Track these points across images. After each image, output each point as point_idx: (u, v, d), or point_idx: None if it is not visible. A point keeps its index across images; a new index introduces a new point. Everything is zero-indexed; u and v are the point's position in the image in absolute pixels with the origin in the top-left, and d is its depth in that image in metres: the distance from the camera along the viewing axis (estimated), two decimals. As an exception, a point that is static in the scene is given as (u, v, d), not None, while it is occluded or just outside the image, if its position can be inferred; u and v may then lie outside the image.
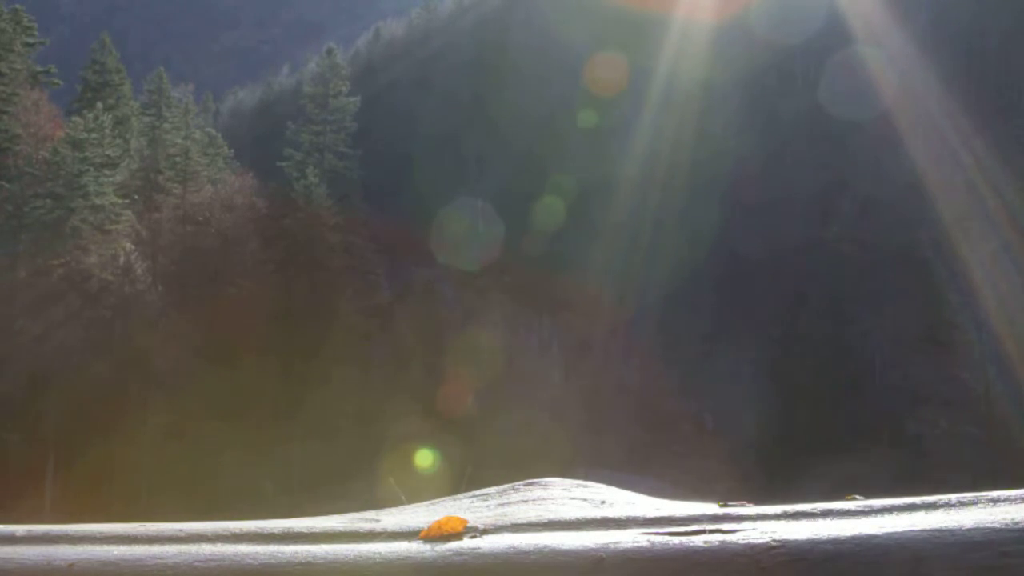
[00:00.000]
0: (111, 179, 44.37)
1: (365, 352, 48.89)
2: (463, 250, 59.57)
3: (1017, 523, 1.46)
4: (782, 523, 1.63)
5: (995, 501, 1.63)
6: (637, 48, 62.23)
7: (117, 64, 54.46)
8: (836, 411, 49.62)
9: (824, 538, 1.51)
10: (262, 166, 55.89)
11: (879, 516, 1.61)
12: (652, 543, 1.55)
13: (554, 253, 57.66)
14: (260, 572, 1.60)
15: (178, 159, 49.16)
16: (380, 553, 1.62)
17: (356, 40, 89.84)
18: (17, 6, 46.79)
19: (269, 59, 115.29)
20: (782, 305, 55.10)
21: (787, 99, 62.53)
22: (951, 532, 1.47)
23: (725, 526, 1.62)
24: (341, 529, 1.78)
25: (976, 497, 1.66)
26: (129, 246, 44.13)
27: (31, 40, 47.53)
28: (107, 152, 44.30)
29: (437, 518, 1.76)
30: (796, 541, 1.51)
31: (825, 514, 1.66)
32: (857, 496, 1.90)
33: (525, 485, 2.32)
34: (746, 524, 1.63)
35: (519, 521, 1.76)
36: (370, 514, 2.01)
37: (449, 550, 1.61)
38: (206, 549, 1.68)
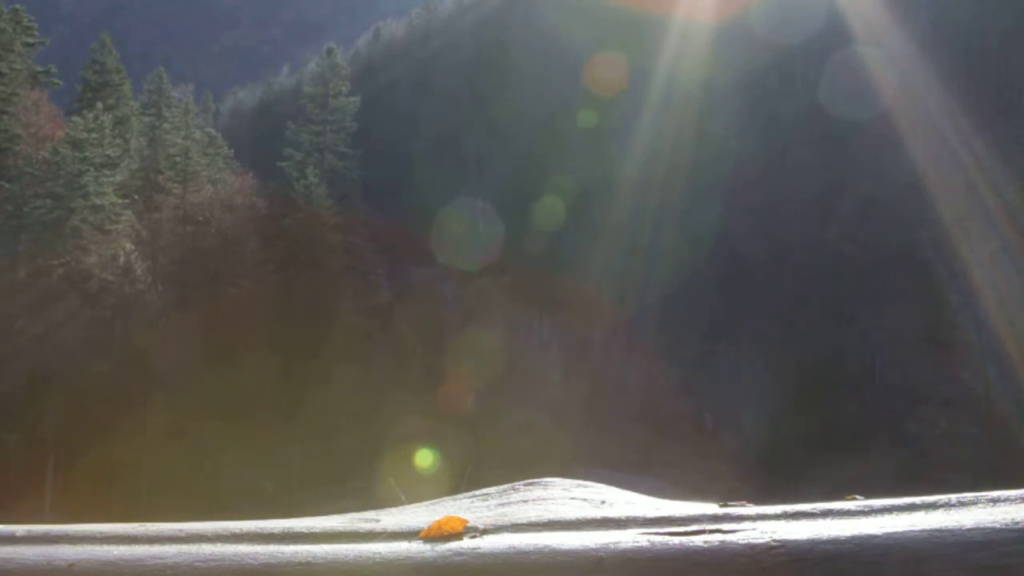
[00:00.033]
0: (111, 179, 44.38)
1: (365, 352, 48.90)
2: (463, 250, 59.56)
3: (1017, 523, 1.46)
4: (782, 523, 1.63)
5: (995, 501, 1.63)
6: (637, 48, 62.21)
7: (117, 64, 54.47)
8: (836, 411, 49.63)
9: (824, 538, 1.51)
10: (262, 166, 55.90)
11: (879, 516, 1.61)
12: (652, 543, 1.55)
13: (554, 253, 57.66)
14: (260, 572, 1.60)
15: (178, 159, 49.16)
16: (380, 553, 1.62)
17: (356, 40, 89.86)
18: (17, 6, 46.80)
19: (269, 59, 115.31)
20: (782, 305, 55.09)
21: (787, 99, 62.53)
22: (951, 532, 1.47)
23: (725, 526, 1.62)
24: (341, 529, 1.78)
25: (976, 497, 1.66)
26: (129, 246, 44.14)
27: (31, 40, 47.54)
28: (107, 152, 44.32)
29: (437, 518, 1.76)
30: (796, 541, 1.51)
31: (825, 514, 1.66)
32: (857, 496, 1.90)
33: (525, 485, 2.32)
34: (746, 524, 1.63)
35: (519, 521, 1.76)
36: (370, 514, 2.01)
37: (449, 550, 1.61)
38: (206, 549, 1.68)
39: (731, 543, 1.53)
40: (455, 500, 2.30)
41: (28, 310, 40.21)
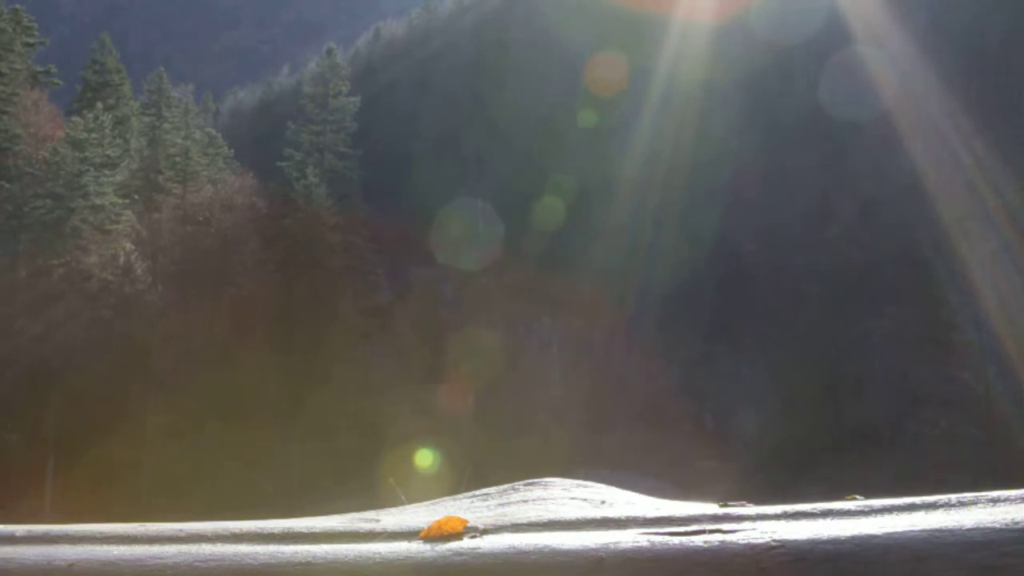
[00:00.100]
0: (111, 179, 44.39)
1: (365, 352, 48.91)
2: (463, 250, 59.56)
3: (1017, 523, 1.46)
4: (782, 523, 1.63)
5: (995, 501, 1.63)
6: (637, 48, 62.21)
7: (117, 64, 54.49)
8: (836, 411, 49.64)
9: (824, 538, 1.51)
10: (262, 166, 55.89)
11: (879, 516, 1.61)
12: (652, 543, 1.55)
13: (554, 253, 57.65)
14: (260, 572, 1.60)
15: (178, 159, 49.17)
16: (380, 553, 1.62)
17: (356, 40, 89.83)
18: (17, 6, 46.82)
19: (269, 59, 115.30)
20: (782, 305, 55.09)
21: (787, 99, 62.52)
22: (951, 532, 1.47)
23: (725, 526, 1.62)
24: (341, 529, 1.78)
25: (976, 497, 1.66)
26: (129, 246, 44.14)
27: (31, 40, 47.56)
28: (107, 152, 44.33)
29: (437, 518, 1.76)
30: (796, 541, 1.51)
31: (825, 514, 1.66)
32: (857, 496, 1.90)
33: (525, 485, 2.32)
34: (746, 524, 1.63)
35: (519, 521, 1.76)
36: (370, 514, 2.01)
37: (449, 550, 1.61)
38: (206, 549, 1.68)
39: (731, 543, 1.53)
40: (455, 500, 2.30)
41: (28, 310, 40.22)
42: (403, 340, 52.25)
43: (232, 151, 56.67)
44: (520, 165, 64.36)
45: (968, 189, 50.90)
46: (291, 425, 43.94)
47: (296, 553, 1.64)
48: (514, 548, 1.59)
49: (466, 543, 1.64)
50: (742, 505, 1.78)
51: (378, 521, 1.85)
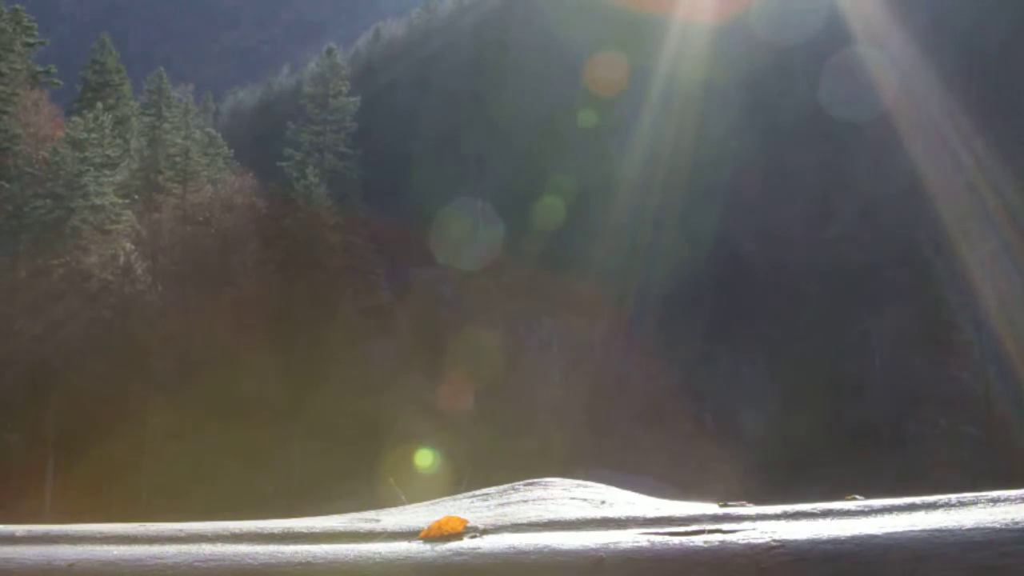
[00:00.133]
0: (111, 179, 44.39)
1: (365, 352, 48.89)
2: (463, 250, 59.56)
3: (1017, 523, 1.46)
4: (782, 523, 1.63)
5: (995, 501, 1.63)
6: (637, 48, 62.20)
7: (117, 64, 54.49)
8: (836, 411, 49.62)
9: (824, 538, 1.51)
10: (262, 166, 55.89)
11: (879, 516, 1.61)
12: (652, 543, 1.55)
13: (554, 253, 57.64)
14: (260, 572, 1.60)
15: (178, 159, 49.17)
16: (380, 553, 1.62)
17: (356, 40, 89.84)
18: (17, 6, 46.81)
19: (269, 59, 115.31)
20: (782, 305, 55.09)
21: (787, 100, 62.51)
22: (951, 532, 1.47)
23: (725, 526, 1.62)
24: (341, 529, 1.78)
25: (976, 497, 1.66)
26: (129, 246, 44.14)
27: (31, 40, 47.55)
28: (107, 152, 44.33)
29: (437, 518, 1.76)
30: (796, 541, 1.51)
31: (825, 514, 1.66)
32: (857, 496, 1.90)
33: (525, 485, 2.32)
34: (746, 524, 1.63)
35: (519, 521, 1.76)
36: (370, 514, 2.01)
37: (449, 550, 1.61)
38: (206, 549, 1.68)
39: (731, 543, 1.53)
40: (455, 500, 2.30)
41: (28, 310, 40.22)
42: (403, 340, 52.25)
43: (232, 151, 56.66)
44: (520, 165, 64.36)
45: (968, 189, 50.90)
46: (291, 425, 43.94)
47: (296, 553, 1.64)
48: (514, 548, 1.59)
49: (466, 543, 1.64)
50: (742, 505, 1.78)
51: (378, 521, 1.85)
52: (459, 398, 46.55)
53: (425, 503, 2.32)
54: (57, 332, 39.93)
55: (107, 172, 44.07)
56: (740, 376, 53.36)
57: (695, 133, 58.80)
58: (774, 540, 1.51)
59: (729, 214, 58.61)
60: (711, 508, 1.77)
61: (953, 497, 1.67)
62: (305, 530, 1.77)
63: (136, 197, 46.93)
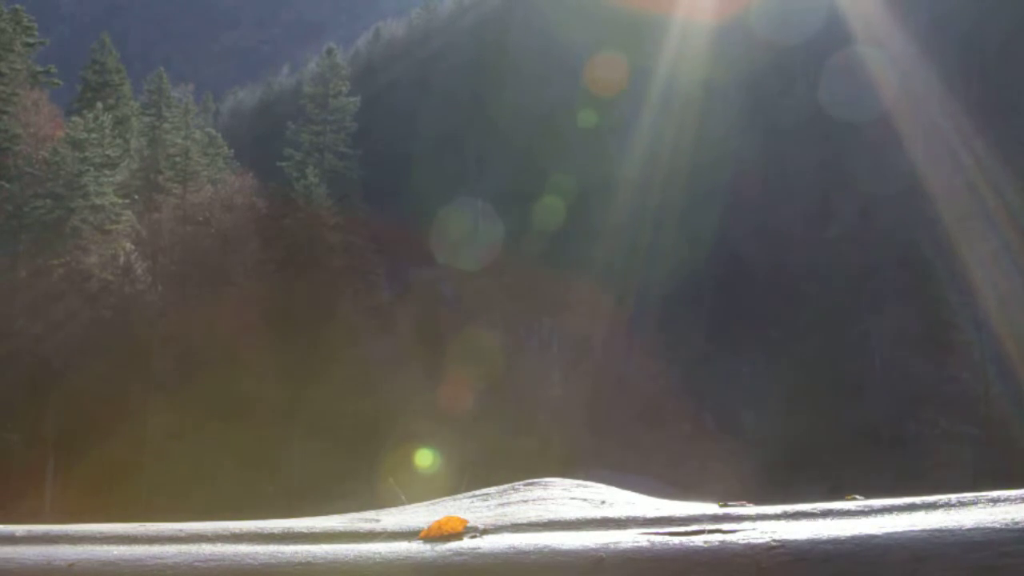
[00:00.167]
0: (111, 179, 44.38)
1: (365, 352, 48.87)
2: (463, 250, 59.57)
3: (1017, 523, 1.46)
4: (782, 523, 1.63)
5: (995, 501, 1.63)
6: (637, 48, 62.22)
7: (117, 64, 54.48)
8: (836, 411, 49.63)
9: (824, 538, 1.51)
10: (262, 166, 55.89)
11: (879, 516, 1.61)
12: (652, 543, 1.56)
13: (554, 253, 57.65)
14: (260, 572, 1.60)
15: (178, 159, 49.15)
16: (380, 553, 1.62)
17: (356, 40, 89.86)
18: (17, 6, 46.80)
19: (269, 59, 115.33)
20: (782, 305, 55.09)
21: (787, 100, 62.53)
22: (951, 532, 1.47)
23: (725, 526, 1.62)
24: (341, 529, 1.78)
25: (976, 497, 1.66)
26: (129, 246, 44.13)
27: (31, 40, 47.54)
28: (107, 152, 44.32)
29: (437, 518, 1.76)
30: (796, 541, 1.51)
31: (825, 514, 1.66)
32: (857, 496, 1.90)
33: (525, 485, 2.32)
34: (746, 524, 1.63)
35: (519, 521, 1.76)
36: (370, 514, 2.01)
37: (449, 550, 1.61)
38: (206, 549, 1.68)
39: (731, 543, 1.53)
40: (455, 500, 2.30)
41: (28, 310, 40.21)
42: (403, 340, 52.24)
43: (232, 151, 56.64)
44: (520, 165, 64.37)
45: (968, 189, 50.92)
46: (291, 425, 43.93)
47: (296, 553, 1.64)
48: (514, 548, 1.59)
49: (466, 543, 1.64)
50: (742, 505, 1.78)
51: (378, 521, 1.85)
52: (459, 398, 46.54)
53: (425, 503, 2.32)
54: (57, 332, 39.91)
55: (107, 172, 44.05)
56: (740, 376, 53.37)
57: (695, 133, 58.81)
58: (774, 540, 1.51)
59: (729, 214, 58.62)
60: (711, 508, 1.77)
61: (953, 497, 1.67)
62: (305, 530, 1.77)
63: (136, 197, 46.92)
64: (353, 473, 39.56)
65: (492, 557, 1.58)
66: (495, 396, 48.51)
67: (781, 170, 60.36)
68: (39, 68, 49.05)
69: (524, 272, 57.04)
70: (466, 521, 1.74)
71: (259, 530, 1.77)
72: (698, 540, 1.55)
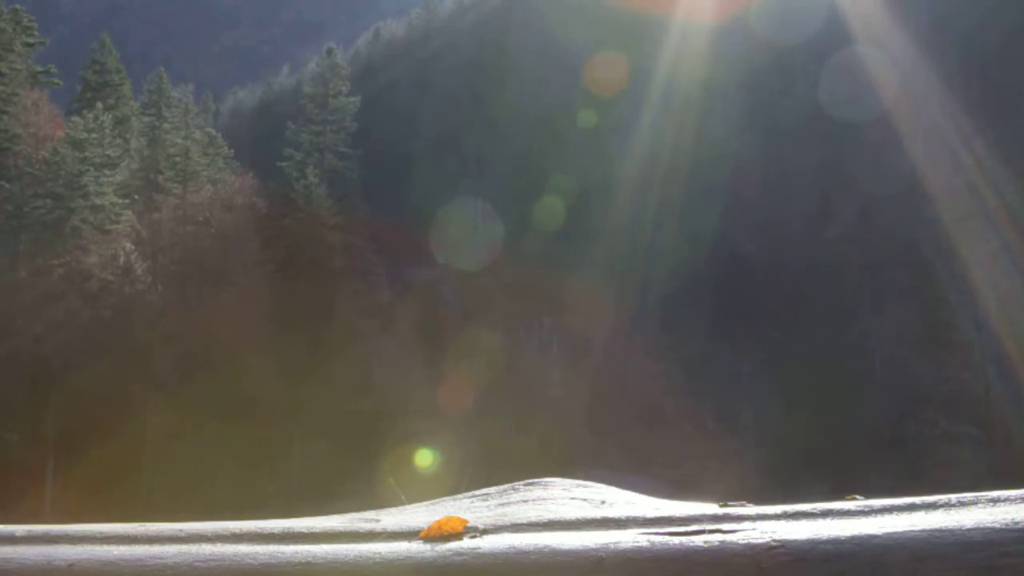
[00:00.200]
0: (111, 179, 44.37)
1: (365, 352, 48.88)
2: (463, 250, 59.57)
3: (1017, 523, 1.46)
4: (782, 523, 1.63)
5: (995, 501, 1.63)
6: (637, 48, 62.22)
7: (117, 64, 54.48)
8: (836, 411, 49.64)
9: (824, 538, 1.51)
10: (262, 166, 55.89)
11: (879, 516, 1.61)
12: (652, 543, 1.55)
13: (554, 253, 57.65)
14: (260, 572, 1.60)
15: (178, 159, 49.15)
16: (380, 553, 1.62)
17: (356, 40, 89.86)
18: (17, 6, 46.81)
19: (269, 59, 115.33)
20: (782, 305, 55.09)
21: (787, 99, 62.52)
22: (951, 532, 1.47)
23: (725, 526, 1.62)
24: (341, 529, 1.78)
25: (976, 497, 1.66)
26: (129, 246, 44.13)
27: (31, 40, 47.55)
28: (107, 152, 44.31)
29: (437, 518, 1.76)
30: (796, 541, 1.51)
31: (825, 514, 1.66)
32: (857, 496, 1.90)
33: (525, 485, 2.32)
34: (746, 524, 1.63)
35: (519, 521, 1.76)
36: (370, 514, 2.01)
37: (449, 550, 1.61)
38: (206, 549, 1.68)
39: (731, 543, 1.53)
40: (455, 500, 2.30)
41: (28, 310, 40.20)
42: (403, 340, 52.22)
43: (232, 151, 56.63)
44: (520, 165, 64.37)
45: (968, 189, 50.93)
46: (291, 425, 43.92)
47: (296, 553, 1.64)
48: (514, 548, 1.59)
49: (466, 543, 1.64)
50: (742, 505, 1.78)
51: (378, 521, 1.85)
52: (459, 398, 46.54)
53: (425, 503, 2.32)
54: (57, 332, 39.90)
55: (107, 172, 44.05)
56: (740, 376, 53.38)
57: (695, 133, 58.82)
58: (774, 540, 1.51)
59: (729, 214, 58.62)
60: (711, 508, 1.77)
61: (953, 497, 1.67)
62: (305, 530, 1.77)
63: (136, 197, 46.92)
64: (353, 473, 39.56)
65: (492, 557, 1.58)
66: (495, 396, 48.49)
67: (781, 170, 60.35)
68: (39, 68, 49.05)
69: (524, 272, 57.03)
70: (466, 521, 1.74)
71: (259, 530, 1.77)
72: (698, 540, 1.55)
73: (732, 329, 55.46)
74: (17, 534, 1.80)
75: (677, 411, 51.46)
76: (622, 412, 51.90)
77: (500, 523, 1.75)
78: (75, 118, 45.22)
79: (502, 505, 2.13)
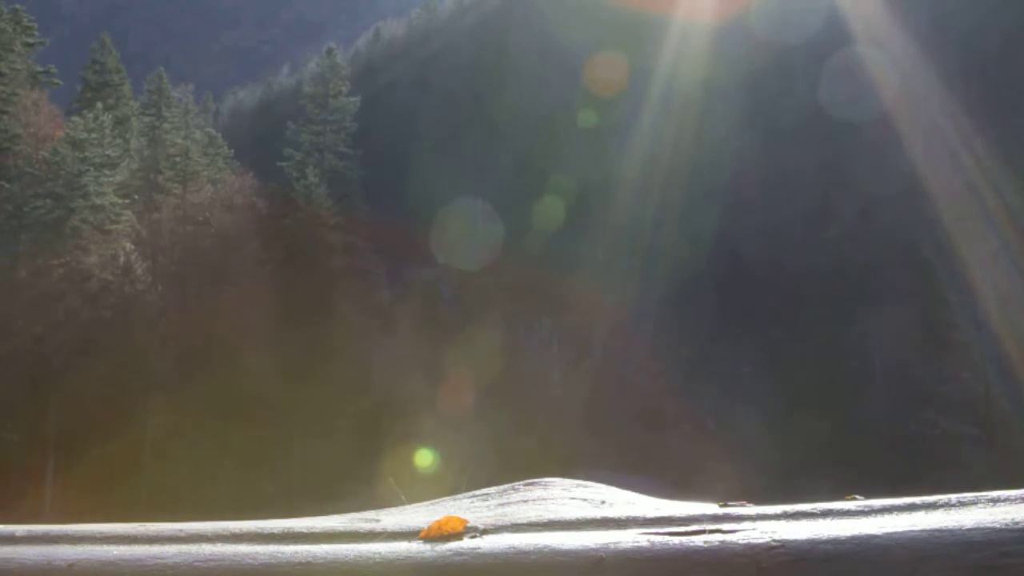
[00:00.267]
0: (111, 179, 44.38)
1: (365, 352, 48.89)
2: (463, 250, 59.58)
3: (1017, 523, 1.46)
4: (782, 523, 1.63)
5: (995, 501, 1.63)
6: (637, 48, 62.23)
7: (117, 64, 54.49)
8: (836, 411, 49.64)
9: (824, 538, 1.51)
10: (262, 166, 55.90)
11: (879, 516, 1.61)
12: (652, 543, 1.55)
13: (554, 253, 57.65)
14: (260, 572, 1.60)
15: (178, 159, 49.15)
16: (380, 553, 1.62)
17: (356, 40, 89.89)
18: (17, 6, 46.81)
19: (269, 59, 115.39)
20: (782, 305, 55.09)
21: (787, 100, 62.53)
22: (951, 532, 1.47)
23: (725, 526, 1.62)
24: (341, 529, 1.78)
25: (976, 497, 1.66)
26: (129, 246, 44.13)
27: (31, 40, 47.55)
28: (107, 152, 44.31)
29: (437, 518, 1.76)
30: (796, 541, 1.51)
31: (825, 514, 1.66)
32: (857, 496, 1.90)
33: (525, 485, 2.32)
34: (746, 524, 1.63)
35: (519, 521, 1.76)
36: (370, 514, 2.01)
37: (449, 550, 1.61)
38: (206, 549, 1.68)
39: (731, 543, 1.53)
40: (455, 500, 2.30)
41: (28, 310, 40.20)
42: (403, 340, 52.23)
43: (232, 151, 56.64)
44: (520, 165, 64.38)
45: (968, 189, 50.94)
46: (291, 425, 43.92)
47: (296, 553, 1.64)
48: (514, 548, 1.59)
49: (466, 543, 1.64)
50: (742, 505, 1.78)
51: (378, 521, 1.85)
52: (459, 398, 46.54)
53: (425, 503, 2.32)
54: (57, 332, 39.91)
55: (107, 172, 44.05)
56: (740, 376, 53.36)
57: (695, 133, 58.82)
58: (774, 540, 1.51)
59: (729, 214, 58.61)
60: (711, 508, 1.77)
61: (953, 497, 1.67)
62: (305, 530, 1.77)
63: (136, 197, 46.92)
64: (353, 473, 39.56)
65: (492, 557, 1.58)
66: (495, 396, 48.49)
67: (781, 170, 60.33)
68: (39, 68, 49.05)
69: (524, 272, 57.03)
70: (466, 521, 1.74)
71: (259, 530, 1.77)
72: (698, 540, 1.55)
73: (732, 329, 55.45)
74: (17, 534, 1.80)
75: (677, 411, 51.45)
76: (622, 412, 51.89)
77: (500, 523, 1.75)
78: (75, 118, 45.22)
79: (502, 505, 2.13)
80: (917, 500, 1.66)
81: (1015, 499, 1.62)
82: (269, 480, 42.02)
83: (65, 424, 38.45)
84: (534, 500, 2.13)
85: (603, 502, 2.06)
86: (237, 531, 1.77)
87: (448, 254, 59.90)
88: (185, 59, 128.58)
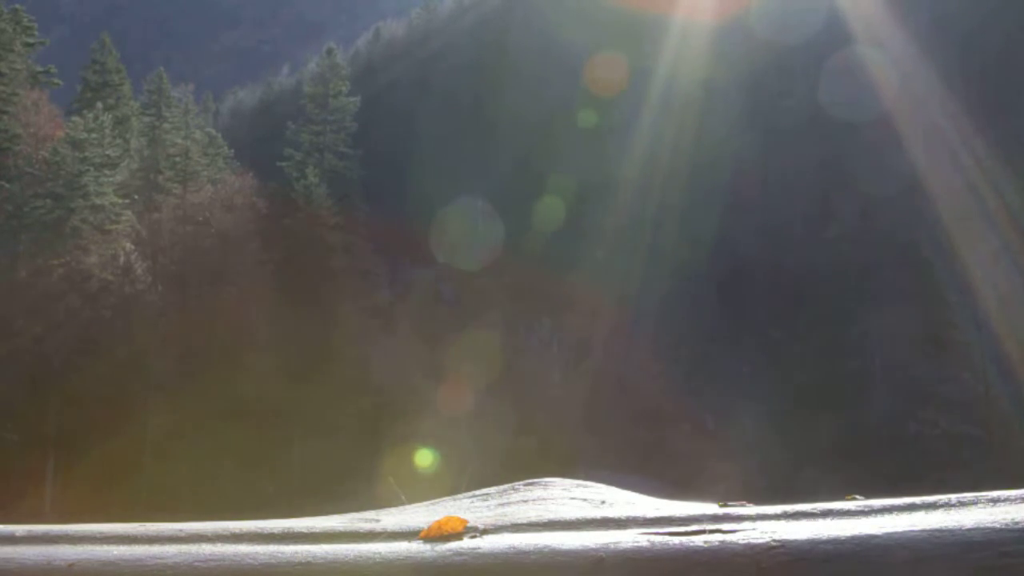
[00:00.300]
0: (111, 179, 44.38)
1: (365, 352, 48.89)
2: (463, 250, 59.58)
3: (1017, 523, 1.46)
4: (782, 523, 1.63)
5: (995, 501, 1.63)
6: (637, 49, 62.24)
7: (117, 64, 54.49)
8: (836, 411, 49.63)
9: (824, 538, 1.51)
10: (262, 166, 55.89)
11: (879, 516, 1.61)
12: (652, 543, 1.55)
13: (554, 253, 57.65)
14: (260, 572, 1.60)
15: (178, 159, 49.16)
16: (380, 553, 1.62)
17: (356, 40, 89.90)
18: (17, 6, 46.81)
19: (269, 59, 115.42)
20: (782, 305, 55.09)
21: (787, 100, 62.52)
22: (951, 532, 1.47)
23: (725, 526, 1.62)
24: (341, 529, 1.78)
25: (976, 497, 1.66)
26: (129, 246, 44.13)
27: (31, 40, 47.55)
28: (107, 152, 44.32)
29: (437, 518, 1.76)
30: (796, 541, 1.51)
31: (825, 514, 1.66)
32: (857, 496, 1.90)
33: (525, 485, 2.32)
34: (746, 524, 1.63)
35: (519, 521, 1.76)
36: (370, 514, 2.01)
37: (449, 550, 1.61)
38: (206, 549, 1.68)
39: (731, 543, 1.53)
40: (455, 500, 2.30)
41: (28, 310, 40.20)
42: (403, 340, 52.23)
43: (232, 151, 56.66)
44: (520, 165, 64.37)
45: (968, 189, 50.93)
46: (291, 425, 43.93)
47: (296, 553, 1.64)
48: (514, 548, 1.59)
49: (466, 543, 1.64)
50: (742, 505, 1.78)
51: (378, 521, 1.85)
52: (459, 398, 46.55)
53: (425, 503, 2.32)
54: (57, 332, 39.91)
55: (107, 172, 44.06)
56: (740, 376, 53.35)
57: (695, 134, 58.81)
58: (774, 540, 1.51)
59: (729, 214, 58.60)
60: (711, 508, 1.77)
61: (953, 497, 1.67)
62: (305, 530, 1.77)
63: (136, 197, 46.92)
64: (353, 473, 39.55)
65: (492, 557, 1.58)
66: (495, 396, 48.49)
67: (781, 170, 60.33)
68: (39, 68, 49.05)
69: (524, 272, 57.03)
70: (466, 521, 1.74)
71: (259, 530, 1.77)
72: (698, 540, 1.55)
73: (732, 329, 55.46)
74: (17, 534, 1.80)
75: (677, 411, 51.43)
76: (622, 412, 51.88)
77: (500, 523, 1.75)
78: (75, 118, 45.23)
79: (502, 505, 2.13)
80: (917, 500, 1.66)
81: (1015, 499, 1.62)
82: (269, 480, 42.03)
83: (65, 424, 38.46)
84: (534, 500, 2.13)
85: (603, 502, 2.06)
86: (237, 531, 1.77)
87: (448, 254, 59.91)
88: (185, 59, 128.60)
